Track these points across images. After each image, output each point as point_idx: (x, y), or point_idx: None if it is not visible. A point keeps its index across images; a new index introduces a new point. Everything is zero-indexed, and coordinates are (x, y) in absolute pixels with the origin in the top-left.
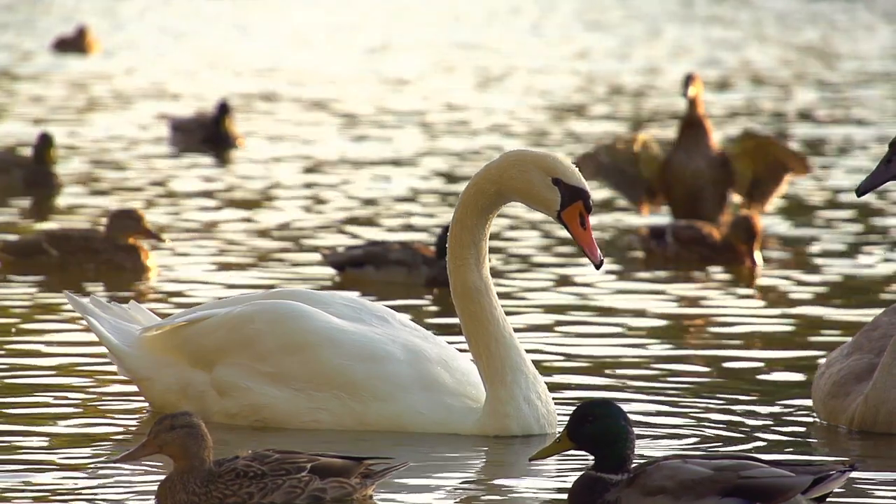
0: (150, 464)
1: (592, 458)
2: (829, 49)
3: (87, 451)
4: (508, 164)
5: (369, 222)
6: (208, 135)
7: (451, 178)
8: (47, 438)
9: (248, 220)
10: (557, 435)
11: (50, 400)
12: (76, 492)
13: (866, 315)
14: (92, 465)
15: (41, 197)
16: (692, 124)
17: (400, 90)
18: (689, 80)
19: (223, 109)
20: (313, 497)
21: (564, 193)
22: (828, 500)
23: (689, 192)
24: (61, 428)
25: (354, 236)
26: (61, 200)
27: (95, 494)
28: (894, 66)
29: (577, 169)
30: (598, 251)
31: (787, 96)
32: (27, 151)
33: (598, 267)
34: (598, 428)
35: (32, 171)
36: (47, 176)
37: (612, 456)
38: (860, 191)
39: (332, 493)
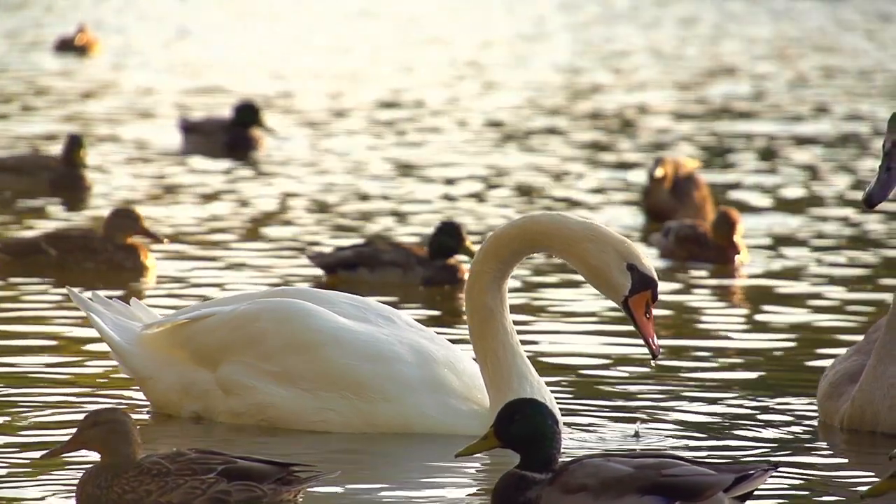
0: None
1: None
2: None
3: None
4: (586, 237)
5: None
6: (230, 138)
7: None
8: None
9: (248, 219)
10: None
11: (47, 399)
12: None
13: (864, 314)
14: (21, 462)
15: (70, 199)
16: (659, 214)
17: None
18: (658, 161)
19: (251, 111)
20: (215, 499)
21: (636, 281)
22: (750, 498)
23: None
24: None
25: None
26: (90, 202)
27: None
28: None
29: (650, 259)
30: (657, 341)
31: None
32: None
33: (654, 357)
34: (524, 427)
35: (60, 174)
36: (76, 178)
37: (538, 455)
38: (871, 202)
39: (238, 496)
